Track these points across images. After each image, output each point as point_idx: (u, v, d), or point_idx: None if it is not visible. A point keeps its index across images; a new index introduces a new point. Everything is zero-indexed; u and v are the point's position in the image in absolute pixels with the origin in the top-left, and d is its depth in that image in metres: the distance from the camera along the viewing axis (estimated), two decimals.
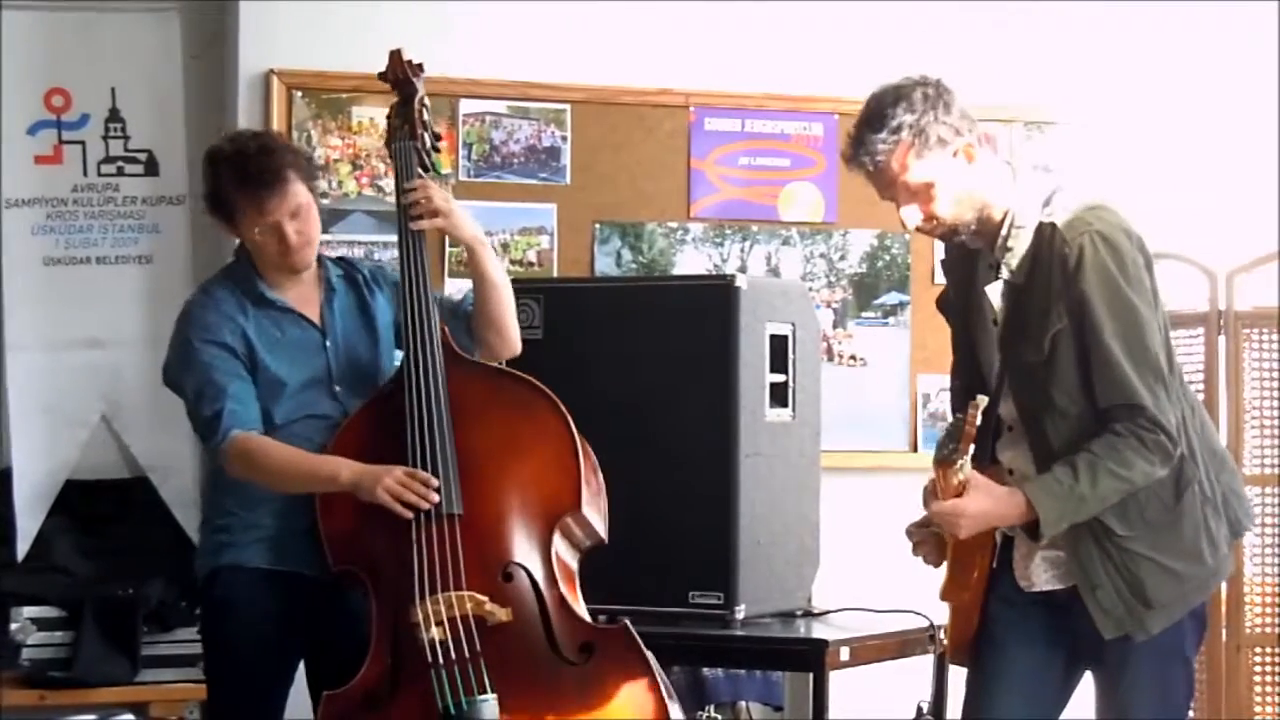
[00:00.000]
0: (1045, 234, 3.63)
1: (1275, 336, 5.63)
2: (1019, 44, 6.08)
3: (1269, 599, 5.57)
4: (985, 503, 3.63)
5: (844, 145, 3.72)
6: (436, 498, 4.00)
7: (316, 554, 4.09)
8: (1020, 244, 3.66)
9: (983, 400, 3.56)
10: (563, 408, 4.11)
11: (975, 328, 3.79)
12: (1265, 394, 5.62)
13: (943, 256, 3.89)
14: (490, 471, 4.08)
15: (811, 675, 4.46)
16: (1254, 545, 5.52)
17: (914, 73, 3.72)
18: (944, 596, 3.87)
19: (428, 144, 4.28)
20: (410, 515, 3.99)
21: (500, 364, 4.31)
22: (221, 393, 4.10)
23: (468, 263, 4.30)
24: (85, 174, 5.67)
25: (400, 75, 4.30)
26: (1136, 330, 3.58)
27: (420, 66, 4.31)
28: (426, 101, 4.32)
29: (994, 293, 3.70)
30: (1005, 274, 3.67)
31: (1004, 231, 3.68)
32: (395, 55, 4.32)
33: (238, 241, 4.25)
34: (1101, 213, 3.65)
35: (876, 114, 3.64)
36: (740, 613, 4.57)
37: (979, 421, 3.54)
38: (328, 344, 4.23)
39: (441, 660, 3.94)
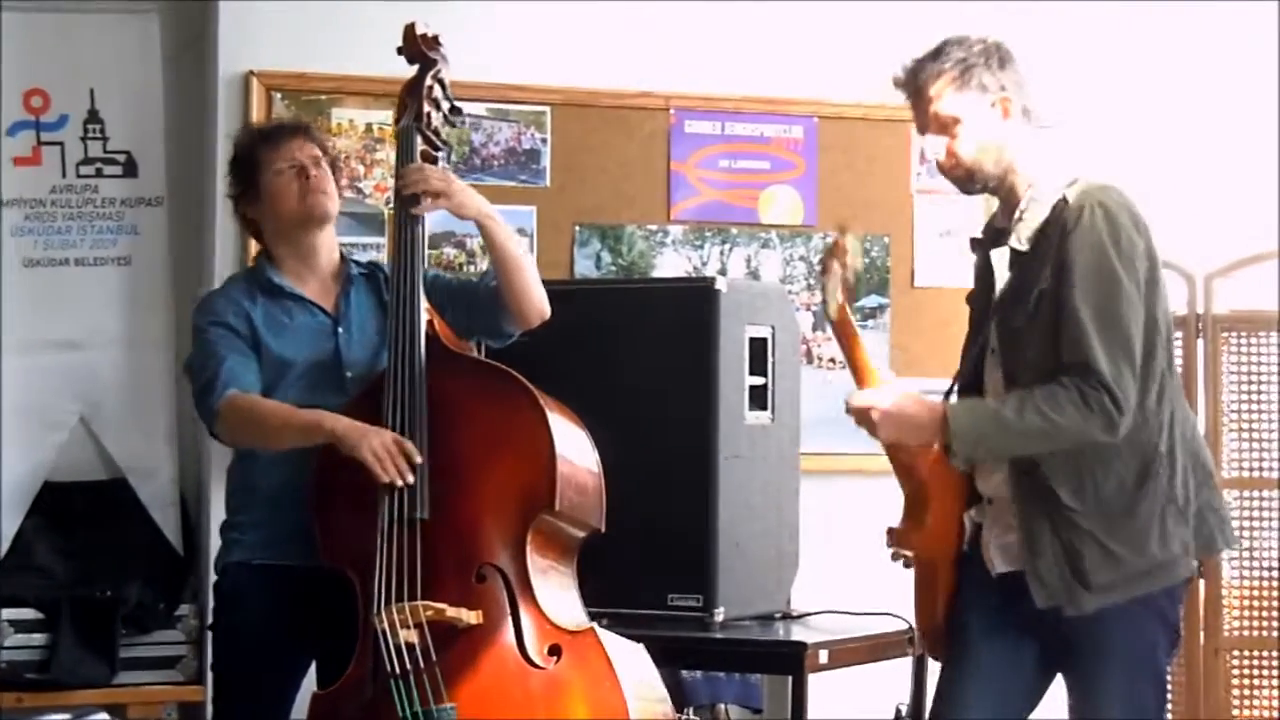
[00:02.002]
0: (1058, 208, 3.68)
1: (1253, 340, 5.65)
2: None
3: (1246, 602, 5.58)
4: (902, 400, 3.72)
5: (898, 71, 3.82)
6: (411, 478, 3.99)
7: (311, 548, 4.10)
8: (1035, 216, 3.70)
9: (849, 240, 3.67)
10: (543, 402, 4.07)
11: (985, 302, 3.81)
12: (1243, 397, 5.65)
13: (973, 235, 3.94)
14: (465, 472, 4.04)
15: (790, 678, 4.46)
16: None
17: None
18: (917, 623, 3.96)
19: (434, 123, 4.22)
20: (393, 481, 3.98)
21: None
22: (221, 361, 4.15)
23: (482, 239, 4.30)
24: (64, 175, 5.64)
25: (413, 50, 4.23)
26: (1113, 300, 3.59)
27: (436, 39, 4.23)
28: (443, 76, 4.23)
29: (999, 260, 3.72)
30: (1013, 242, 3.70)
31: (1022, 204, 3.72)
32: (409, 29, 4.23)
33: (257, 248, 4.30)
34: (1113, 192, 3.70)
35: (936, 47, 3.79)
36: (719, 615, 4.58)
37: (849, 252, 3.64)
38: (339, 330, 4.26)
39: (398, 669, 3.90)
